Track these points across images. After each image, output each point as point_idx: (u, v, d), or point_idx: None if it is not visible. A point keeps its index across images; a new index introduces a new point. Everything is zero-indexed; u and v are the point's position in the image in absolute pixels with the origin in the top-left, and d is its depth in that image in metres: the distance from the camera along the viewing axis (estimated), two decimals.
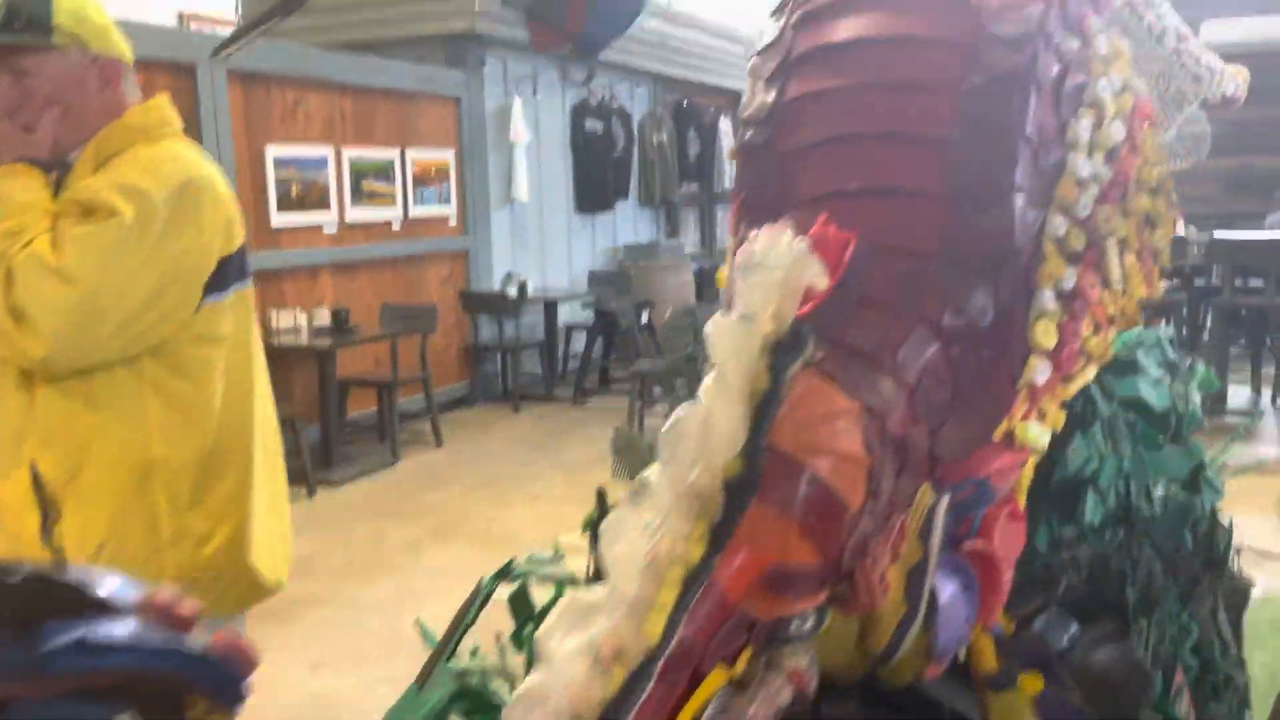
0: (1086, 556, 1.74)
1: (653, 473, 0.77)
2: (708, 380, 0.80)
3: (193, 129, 5.00)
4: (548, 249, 8.05)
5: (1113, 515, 1.79)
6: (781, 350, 0.91)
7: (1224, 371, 6.49)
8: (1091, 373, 1.22)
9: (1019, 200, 1.05)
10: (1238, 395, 6.66)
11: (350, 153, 6.01)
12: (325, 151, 5.82)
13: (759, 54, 1.28)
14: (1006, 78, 1.07)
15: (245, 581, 1.52)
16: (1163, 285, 1.36)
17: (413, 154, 6.52)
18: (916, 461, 1.03)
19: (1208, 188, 10.66)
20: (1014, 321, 1.07)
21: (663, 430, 0.77)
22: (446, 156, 6.86)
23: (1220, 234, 6.57)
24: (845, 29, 1.18)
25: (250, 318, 1.55)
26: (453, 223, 6.99)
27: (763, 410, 0.87)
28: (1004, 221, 1.04)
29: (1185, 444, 1.92)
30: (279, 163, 5.48)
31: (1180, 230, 6.98)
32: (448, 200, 6.89)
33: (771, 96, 1.20)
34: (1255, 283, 6.67)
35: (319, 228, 5.83)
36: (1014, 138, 1.05)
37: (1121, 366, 1.82)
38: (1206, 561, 1.82)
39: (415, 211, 6.58)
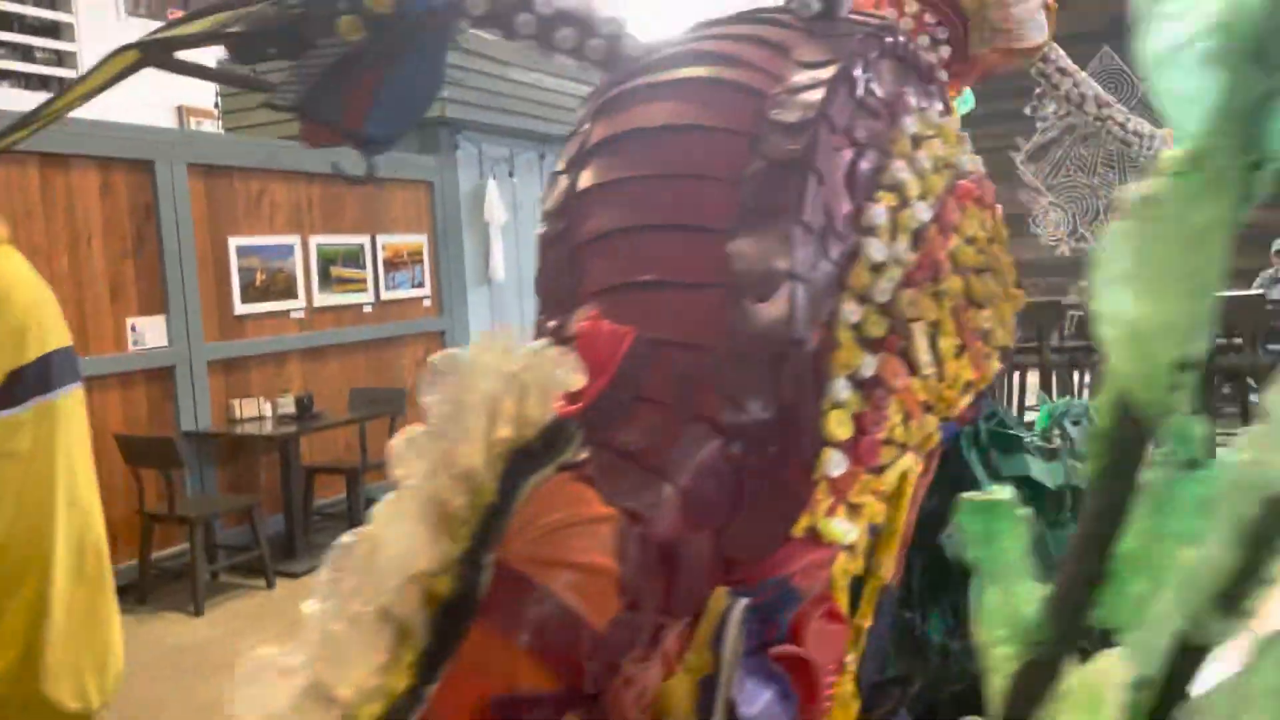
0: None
1: (307, 608, 0.72)
2: (381, 502, 0.75)
3: (152, 222, 5.05)
4: (529, 327, 8.05)
5: None
6: (521, 457, 0.87)
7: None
8: (908, 462, 1.17)
9: (799, 289, 1.01)
10: None
11: (318, 239, 6.05)
12: (291, 240, 5.86)
13: (567, 141, 1.26)
14: (783, 164, 1.04)
15: (39, 710, 1.44)
16: (997, 366, 1.31)
17: (384, 239, 6.57)
18: (696, 566, 0.98)
19: None
20: (803, 414, 1.03)
21: (325, 559, 0.73)
22: (419, 240, 6.91)
23: None
24: (635, 118, 1.16)
25: (58, 429, 1.50)
26: (428, 304, 7.01)
27: (487, 523, 0.82)
28: (782, 311, 1.00)
29: None
30: (242, 252, 5.52)
31: None
32: (421, 283, 6.92)
33: (566, 186, 1.18)
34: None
35: (286, 313, 5.84)
36: (790, 225, 1.02)
37: (1009, 443, 1.77)
38: (1107, 646, 1.73)
39: (387, 295, 6.60)
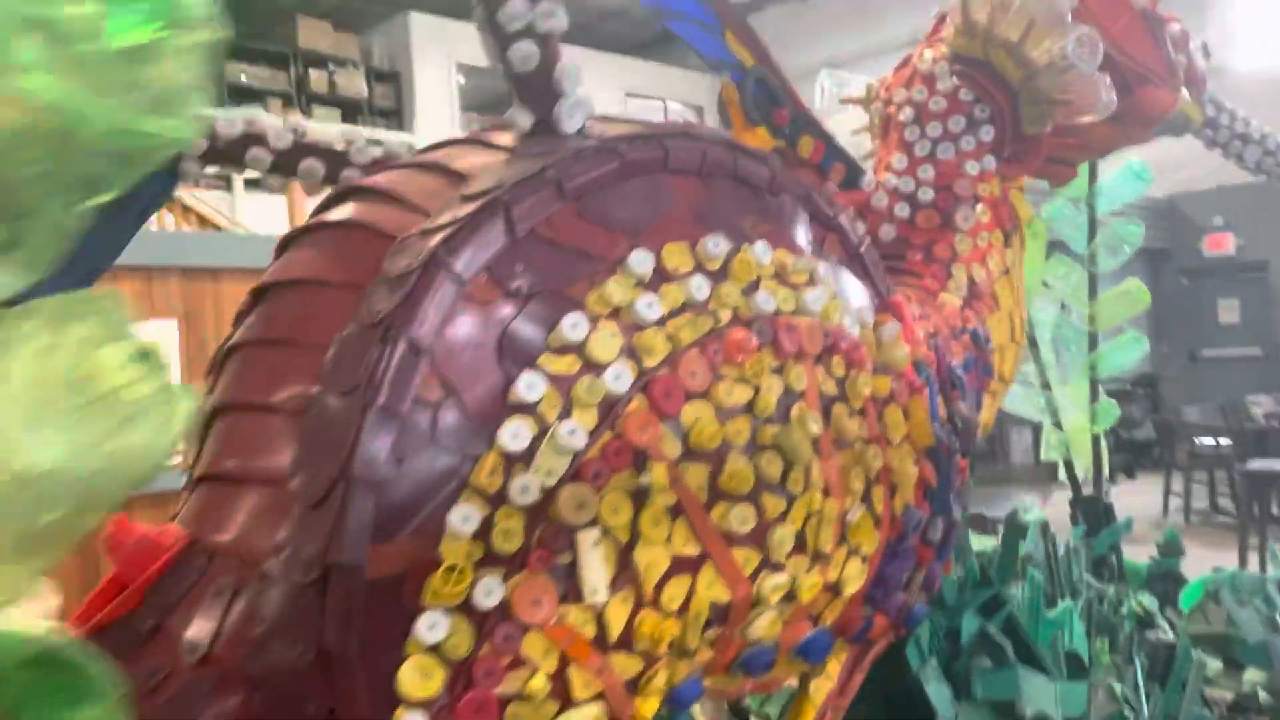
0: None
1: None
2: None
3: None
4: None
5: None
6: None
7: None
8: (588, 716, 0.85)
9: (355, 495, 0.77)
10: None
11: None
12: None
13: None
14: (370, 328, 0.81)
15: None
16: (775, 582, 0.97)
17: None
18: None
19: None
20: (355, 660, 0.77)
21: None
22: None
23: None
24: (278, 268, 0.97)
25: None
26: None
27: None
28: (328, 523, 0.76)
29: None
30: None
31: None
32: None
33: (224, 343, 1.01)
34: None
35: None
36: (355, 410, 0.78)
37: (1001, 653, 1.28)
38: None
39: None
